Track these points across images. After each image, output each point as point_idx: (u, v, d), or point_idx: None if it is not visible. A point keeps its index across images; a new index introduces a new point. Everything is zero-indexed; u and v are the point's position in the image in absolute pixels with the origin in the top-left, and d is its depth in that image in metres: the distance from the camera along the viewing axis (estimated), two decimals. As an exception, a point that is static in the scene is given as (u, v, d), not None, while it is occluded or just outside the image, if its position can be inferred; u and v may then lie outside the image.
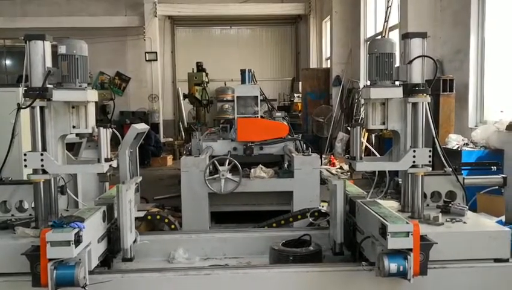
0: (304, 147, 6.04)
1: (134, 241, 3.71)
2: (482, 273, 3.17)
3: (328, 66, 14.57)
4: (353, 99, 11.93)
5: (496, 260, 3.19)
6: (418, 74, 3.35)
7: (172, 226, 4.82)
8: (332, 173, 9.75)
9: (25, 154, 3.21)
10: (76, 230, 2.81)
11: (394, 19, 9.69)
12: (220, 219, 5.76)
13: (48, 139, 3.27)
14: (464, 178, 3.75)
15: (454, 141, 6.50)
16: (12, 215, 3.55)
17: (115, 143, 4.46)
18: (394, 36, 9.52)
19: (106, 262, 3.50)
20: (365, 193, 3.95)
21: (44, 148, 3.24)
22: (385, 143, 7.92)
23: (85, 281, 2.82)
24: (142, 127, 5.70)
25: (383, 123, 3.48)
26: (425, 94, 3.35)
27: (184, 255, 3.83)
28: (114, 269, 3.50)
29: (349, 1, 13.07)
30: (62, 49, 3.22)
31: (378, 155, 4.42)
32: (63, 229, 2.82)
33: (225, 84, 16.87)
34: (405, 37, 3.41)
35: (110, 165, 3.43)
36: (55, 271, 2.74)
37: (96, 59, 14.64)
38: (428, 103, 3.44)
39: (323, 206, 4.67)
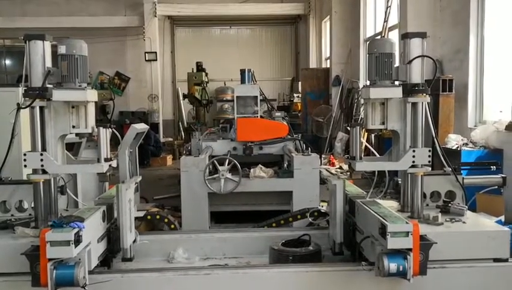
0: (304, 147, 6.04)
1: (134, 241, 3.71)
2: (481, 273, 3.17)
3: (328, 66, 14.58)
4: (353, 99, 11.94)
5: (496, 260, 3.19)
6: (417, 73, 3.35)
7: (172, 226, 4.82)
8: (331, 173, 9.76)
9: (24, 154, 3.21)
10: (76, 230, 2.80)
11: (394, 19, 9.69)
12: (220, 218, 5.76)
13: (47, 139, 3.28)
14: (463, 178, 3.76)
15: (453, 140, 6.51)
16: (12, 215, 3.55)
17: (114, 143, 4.46)
18: (394, 36, 9.53)
19: (106, 262, 3.50)
20: (365, 192, 3.95)
21: (44, 148, 3.25)
22: (385, 143, 7.92)
23: (85, 281, 2.82)
24: (141, 127, 5.70)
25: (383, 123, 3.48)
26: (424, 94, 3.36)
27: (184, 255, 3.83)
28: (114, 269, 3.50)
29: (348, 1, 13.07)
30: (62, 49, 3.22)
31: (377, 155, 4.41)
32: (62, 229, 2.82)
33: (225, 84, 16.87)
34: (404, 37, 3.41)
35: (110, 165, 3.43)
36: (54, 271, 2.74)
37: (96, 59, 14.64)
38: (427, 102, 3.44)
39: (322, 206, 4.67)
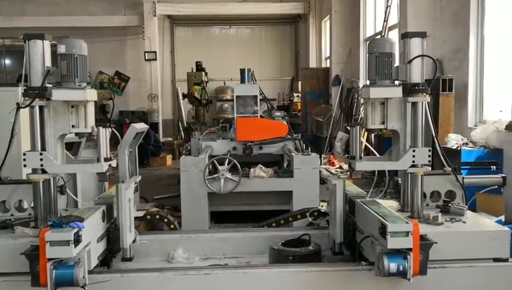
0: (304, 146, 6.04)
1: (134, 241, 3.71)
2: (481, 273, 3.17)
3: (328, 65, 14.58)
4: (352, 98, 11.94)
5: (496, 260, 3.20)
6: (417, 73, 3.35)
7: (172, 226, 4.82)
8: (331, 173, 9.76)
9: (24, 154, 3.21)
10: (75, 230, 2.80)
11: (394, 19, 9.69)
12: (220, 218, 5.75)
13: (47, 139, 3.27)
14: (463, 178, 3.75)
15: (453, 140, 6.50)
16: (12, 215, 3.55)
17: (114, 143, 4.45)
18: (394, 36, 9.53)
19: (105, 262, 3.50)
20: (365, 192, 3.95)
21: (43, 148, 3.24)
22: (385, 143, 7.92)
23: (84, 281, 2.82)
24: (141, 126, 5.69)
25: (383, 123, 3.48)
26: (424, 94, 3.35)
27: (183, 255, 3.83)
28: (113, 269, 3.50)
29: (348, 1, 13.07)
30: (61, 49, 3.22)
31: (377, 155, 4.41)
32: (62, 228, 2.82)
33: (224, 84, 16.87)
34: (404, 36, 3.41)
35: (110, 165, 3.43)
36: (54, 271, 2.74)
37: (96, 58, 14.64)
38: (427, 102, 3.44)
39: (322, 206, 4.67)
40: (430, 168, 3.45)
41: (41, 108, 3.22)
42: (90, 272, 3.00)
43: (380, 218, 2.99)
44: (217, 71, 16.47)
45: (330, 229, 3.82)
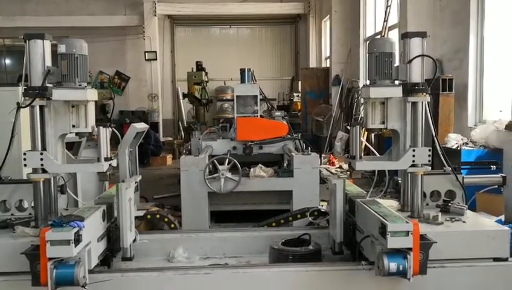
0: (304, 146, 6.04)
1: (134, 241, 3.71)
2: (481, 273, 3.18)
3: (328, 65, 14.58)
4: (352, 98, 11.94)
5: (495, 259, 3.20)
6: (417, 73, 3.35)
7: (172, 226, 4.82)
8: (331, 172, 9.77)
9: (24, 154, 3.21)
10: (76, 229, 2.81)
11: (394, 19, 9.69)
12: (220, 218, 5.75)
13: (47, 139, 3.27)
14: (463, 177, 3.76)
15: (453, 140, 6.51)
16: (12, 214, 3.55)
17: (114, 142, 4.46)
18: (394, 36, 9.53)
19: (106, 261, 3.50)
20: (365, 192, 3.96)
21: (44, 148, 3.24)
22: (385, 142, 7.92)
23: (85, 280, 2.82)
24: (141, 126, 5.70)
25: (383, 122, 3.48)
26: (424, 93, 3.35)
27: (184, 254, 3.83)
28: (114, 268, 3.50)
29: (348, 1, 13.07)
30: (62, 48, 3.22)
31: (377, 154, 4.41)
32: (62, 228, 2.82)
33: (225, 84, 16.88)
34: (404, 36, 3.41)
35: (110, 165, 3.43)
36: (54, 270, 2.74)
37: (96, 58, 14.63)
38: (427, 102, 3.44)
39: (322, 206, 4.67)
40: (430, 167, 3.45)
41: (41, 108, 3.23)
42: (91, 271, 3.00)
43: (380, 218, 2.99)
44: (217, 71, 16.47)
45: (330, 228, 3.82)
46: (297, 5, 16.70)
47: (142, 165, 9.69)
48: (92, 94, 3.33)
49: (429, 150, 3.39)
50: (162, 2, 16.13)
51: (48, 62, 3.22)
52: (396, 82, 3.44)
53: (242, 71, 6.99)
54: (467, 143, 6.46)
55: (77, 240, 2.79)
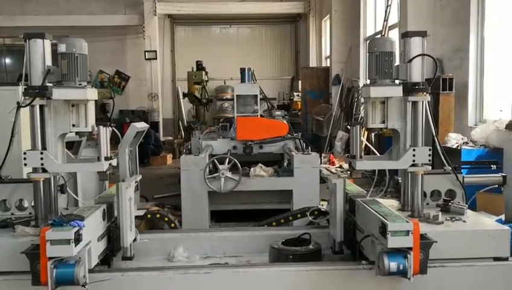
0: (304, 145, 6.04)
1: (134, 240, 3.71)
2: (481, 272, 3.18)
3: (328, 64, 14.57)
4: (353, 98, 11.93)
5: (496, 259, 3.20)
6: (417, 72, 3.35)
7: (172, 225, 4.82)
8: (332, 172, 9.77)
9: (24, 153, 3.21)
10: (76, 229, 2.81)
11: (394, 18, 9.68)
12: (220, 217, 5.75)
13: (47, 138, 3.27)
14: (463, 177, 3.75)
15: (453, 139, 6.50)
16: (12, 213, 3.55)
17: (114, 142, 4.46)
18: (394, 35, 9.52)
19: (106, 261, 3.50)
20: (365, 191, 3.95)
21: (44, 147, 3.24)
22: (385, 142, 7.92)
23: (85, 280, 2.82)
24: (141, 125, 5.70)
25: (383, 122, 3.48)
26: (425, 93, 3.35)
27: (184, 253, 3.83)
28: (114, 268, 3.50)
29: (348, 0, 13.06)
30: (62, 48, 3.22)
31: (378, 154, 4.41)
32: (62, 227, 2.82)
33: (225, 83, 16.88)
34: (405, 35, 3.41)
35: (110, 164, 3.43)
36: (55, 270, 2.74)
37: (96, 58, 14.64)
38: (428, 101, 3.44)
39: (322, 205, 4.67)
40: (430, 167, 3.45)
41: (41, 107, 3.22)
42: (91, 271, 3.01)
43: (380, 217, 2.99)
44: (217, 70, 16.47)
45: (330, 228, 3.82)
46: (297, 5, 16.70)
47: (142, 165, 9.69)
48: (92, 93, 3.33)
49: (429, 150, 3.39)
50: (162, 1, 16.12)
51: (48, 61, 3.22)
52: (397, 81, 3.44)
53: (242, 70, 6.99)
54: (467, 143, 6.45)
55: (77, 239, 2.79)
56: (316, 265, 3.35)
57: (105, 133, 3.36)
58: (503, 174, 3.94)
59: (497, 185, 3.93)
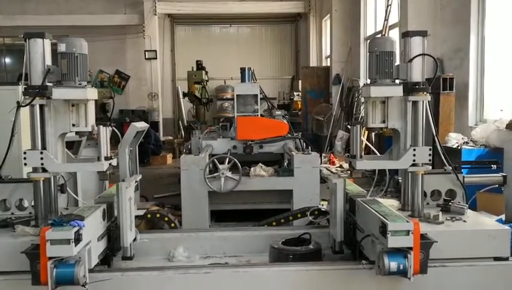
0: (304, 145, 6.04)
1: (134, 240, 3.71)
2: (482, 272, 3.18)
3: (328, 64, 14.56)
4: (353, 97, 11.92)
5: (496, 259, 3.20)
6: (418, 72, 3.35)
7: (172, 225, 4.82)
8: (332, 172, 9.76)
9: (24, 153, 3.21)
10: (76, 228, 2.81)
11: (394, 18, 9.68)
12: (220, 217, 5.75)
13: (47, 138, 3.27)
14: (463, 177, 3.75)
15: (454, 139, 6.50)
16: (12, 213, 3.54)
17: (114, 141, 4.46)
18: (394, 35, 9.52)
19: (106, 260, 3.50)
20: (365, 191, 3.95)
21: (44, 147, 3.24)
22: (385, 141, 7.92)
23: (85, 280, 2.82)
24: (141, 125, 5.71)
25: (383, 121, 3.47)
26: (425, 92, 3.35)
27: (184, 253, 3.83)
28: (114, 268, 3.50)
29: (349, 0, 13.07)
30: (62, 47, 3.22)
31: (378, 154, 4.41)
32: (62, 227, 2.82)
33: (225, 83, 16.88)
34: (405, 35, 3.41)
35: (110, 164, 3.43)
36: (55, 269, 2.74)
37: (96, 57, 14.63)
38: (428, 101, 3.44)
39: (323, 205, 4.68)
40: (430, 167, 3.45)
41: (41, 107, 3.22)
42: (91, 270, 3.01)
43: (381, 217, 2.99)
44: (217, 70, 16.47)
45: (330, 228, 3.82)
46: (297, 4, 16.70)
47: (142, 165, 9.69)
48: (92, 93, 3.32)
49: (430, 149, 3.39)
50: (162, 1, 16.12)
51: (48, 61, 3.21)
52: (397, 81, 3.43)
53: (242, 70, 6.99)
54: (467, 142, 6.45)
55: (77, 239, 2.79)
56: (316, 265, 3.35)
57: (105, 132, 3.36)
58: (504, 174, 3.93)
59: (497, 185, 3.93)
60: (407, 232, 2.83)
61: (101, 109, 13.92)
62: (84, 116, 3.32)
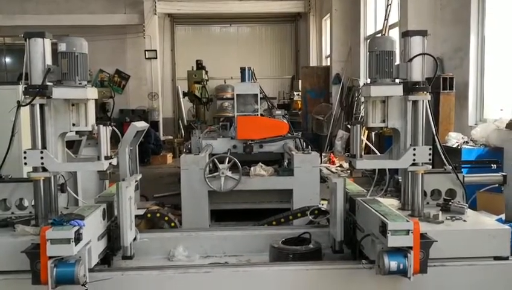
0: (304, 145, 6.04)
1: (134, 239, 3.71)
2: (482, 272, 3.17)
3: (328, 64, 14.57)
4: (353, 97, 11.93)
5: (496, 258, 3.19)
6: (418, 71, 3.34)
7: (172, 224, 4.82)
8: (332, 171, 9.77)
9: (24, 152, 3.21)
10: (76, 228, 2.80)
11: (394, 17, 9.68)
12: (220, 216, 5.76)
13: (47, 137, 3.27)
14: (463, 176, 3.75)
15: (454, 139, 6.50)
16: (12, 213, 3.54)
17: (114, 141, 4.46)
18: (394, 34, 9.51)
19: (106, 260, 3.50)
20: (365, 191, 3.95)
21: (44, 146, 3.24)
22: (385, 141, 7.93)
23: (85, 279, 2.82)
24: (141, 125, 5.71)
25: (383, 121, 3.47)
26: (425, 92, 3.35)
27: (184, 253, 3.83)
28: (114, 267, 3.50)
29: (349, -1, 13.07)
30: (62, 47, 3.22)
31: (378, 153, 4.41)
32: (63, 227, 2.82)
33: (225, 82, 16.89)
34: (405, 35, 3.41)
35: (110, 163, 3.43)
36: (55, 269, 2.73)
37: (96, 57, 14.64)
38: (428, 100, 3.43)
39: (323, 204, 4.68)
40: (430, 166, 3.44)
41: (41, 106, 3.22)
42: (91, 270, 3.00)
43: (381, 216, 2.99)
44: (217, 69, 16.47)
45: (330, 227, 3.82)
46: (297, 4, 16.70)
47: (143, 164, 9.69)
48: (92, 93, 3.32)
49: (430, 149, 3.39)
50: (162, 0, 16.12)
51: (48, 61, 3.21)
52: (397, 81, 3.43)
53: (242, 70, 7.00)
54: (467, 142, 6.45)
55: (77, 238, 2.79)
56: (316, 264, 3.34)
57: (105, 132, 3.36)
58: (504, 173, 3.94)
59: (497, 185, 3.93)
60: (407, 232, 2.83)
61: (101, 108, 13.93)
62: (84, 115, 3.32)
